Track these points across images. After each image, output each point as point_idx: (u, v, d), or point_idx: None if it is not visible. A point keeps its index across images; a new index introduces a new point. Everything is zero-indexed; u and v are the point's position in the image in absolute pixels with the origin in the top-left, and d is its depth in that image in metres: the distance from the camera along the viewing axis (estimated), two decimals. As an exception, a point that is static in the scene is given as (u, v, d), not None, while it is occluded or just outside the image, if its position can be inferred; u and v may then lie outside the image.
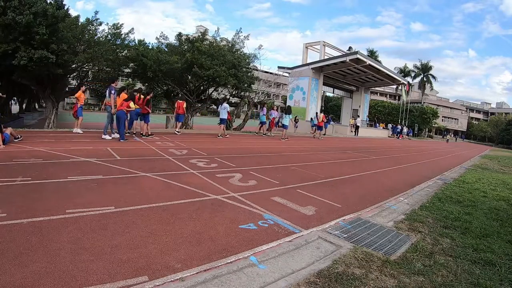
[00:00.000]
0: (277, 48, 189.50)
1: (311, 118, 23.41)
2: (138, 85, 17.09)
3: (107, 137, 9.17)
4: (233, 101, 20.30)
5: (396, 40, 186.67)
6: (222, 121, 13.06)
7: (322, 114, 18.66)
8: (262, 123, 16.68)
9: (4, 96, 10.62)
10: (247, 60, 16.79)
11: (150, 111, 10.73)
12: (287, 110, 15.31)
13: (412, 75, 53.59)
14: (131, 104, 9.32)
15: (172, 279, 2.07)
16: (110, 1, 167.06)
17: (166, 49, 15.79)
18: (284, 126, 14.78)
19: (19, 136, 7.23)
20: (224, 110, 12.93)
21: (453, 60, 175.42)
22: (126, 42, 14.17)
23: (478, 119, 74.60)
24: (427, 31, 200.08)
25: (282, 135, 14.85)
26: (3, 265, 2.05)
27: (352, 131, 26.18)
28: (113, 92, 9.23)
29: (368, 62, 24.10)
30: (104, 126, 9.55)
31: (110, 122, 9.54)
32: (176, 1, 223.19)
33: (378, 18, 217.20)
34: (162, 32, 26.49)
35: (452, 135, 59.54)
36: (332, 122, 26.17)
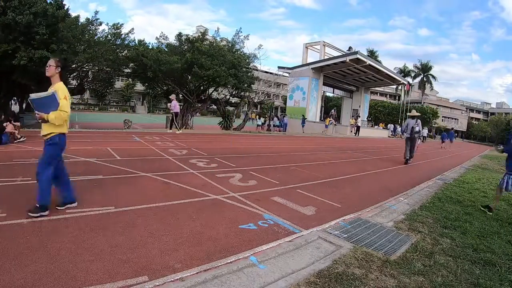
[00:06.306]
0: (286, 50, 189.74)
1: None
2: (138, 85, 17.11)
3: None
4: (233, 101, 20.38)
5: (406, 44, 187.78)
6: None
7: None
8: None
9: None
10: (247, 60, 16.79)
11: None
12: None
13: (412, 75, 53.50)
14: None
15: (172, 279, 2.07)
16: (123, 2, 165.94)
17: (166, 49, 15.79)
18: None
19: (20, 137, 7.22)
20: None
21: (458, 63, 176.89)
22: (126, 42, 14.19)
23: (478, 119, 74.53)
24: (434, 36, 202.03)
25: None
26: (3, 265, 2.05)
27: (351, 131, 26.15)
28: None
29: (368, 62, 24.10)
30: None
31: None
32: (192, 4, 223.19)
33: (390, 22, 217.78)
34: (162, 32, 26.51)
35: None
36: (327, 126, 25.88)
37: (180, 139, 10.56)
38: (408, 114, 11.73)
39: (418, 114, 10.61)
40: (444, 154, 17.72)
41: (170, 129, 13.59)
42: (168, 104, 13.67)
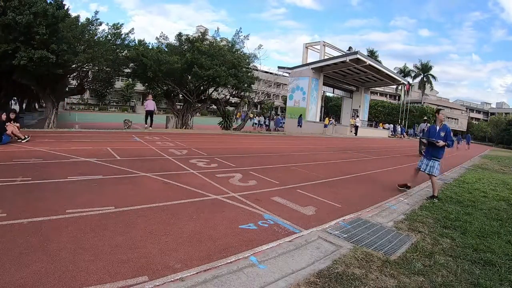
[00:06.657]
0: (286, 50, 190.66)
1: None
2: (138, 85, 17.15)
3: None
4: (233, 101, 20.39)
5: (406, 44, 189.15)
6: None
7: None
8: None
9: None
10: (247, 60, 16.78)
11: None
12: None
13: (412, 75, 53.54)
14: None
15: (172, 279, 2.07)
16: (124, 3, 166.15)
17: (166, 49, 15.78)
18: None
19: (26, 137, 7.22)
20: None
21: (458, 63, 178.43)
22: (126, 42, 14.17)
23: (478, 119, 74.54)
24: (435, 36, 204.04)
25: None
26: (3, 265, 2.05)
27: (351, 131, 26.15)
28: None
29: (368, 62, 24.08)
30: None
31: None
32: (194, 4, 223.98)
33: (391, 23, 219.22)
34: (162, 32, 26.51)
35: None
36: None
37: (180, 139, 10.56)
38: (420, 119, 14.51)
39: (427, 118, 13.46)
40: (445, 154, 17.69)
41: (151, 126, 13.89)
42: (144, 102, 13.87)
